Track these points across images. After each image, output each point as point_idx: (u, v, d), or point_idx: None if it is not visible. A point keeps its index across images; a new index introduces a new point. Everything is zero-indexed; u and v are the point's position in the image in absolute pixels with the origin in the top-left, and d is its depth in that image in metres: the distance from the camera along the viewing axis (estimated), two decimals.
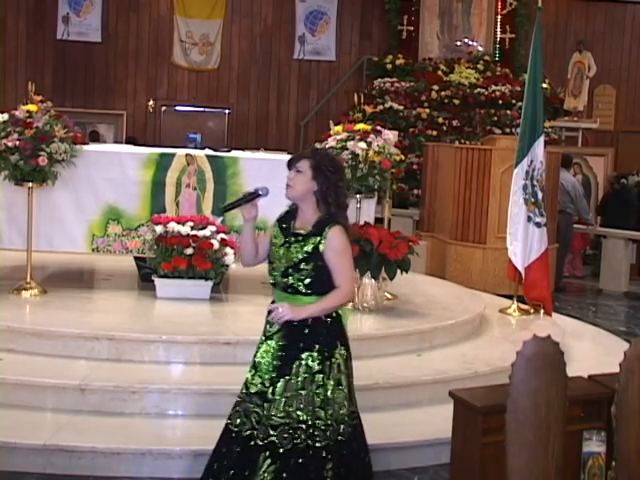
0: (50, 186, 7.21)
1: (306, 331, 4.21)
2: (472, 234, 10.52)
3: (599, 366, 6.11)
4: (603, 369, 5.00)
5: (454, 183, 10.78)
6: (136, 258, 7.79)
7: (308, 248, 4.21)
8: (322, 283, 4.22)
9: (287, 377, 4.16)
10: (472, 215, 10.53)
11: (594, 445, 3.78)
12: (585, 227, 12.79)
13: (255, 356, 4.27)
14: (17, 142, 6.95)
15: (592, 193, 14.30)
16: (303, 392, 4.16)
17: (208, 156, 7.55)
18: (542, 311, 8.39)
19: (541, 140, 8.20)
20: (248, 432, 4.17)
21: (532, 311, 8.39)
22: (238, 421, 4.20)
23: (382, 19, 16.07)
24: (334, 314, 4.30)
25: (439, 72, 15.32)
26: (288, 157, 8.14)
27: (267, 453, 4.13)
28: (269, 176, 7.48)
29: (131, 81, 15.84)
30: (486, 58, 15.66)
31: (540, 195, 8.20)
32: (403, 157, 7.68)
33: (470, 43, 15.86)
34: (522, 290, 8.34)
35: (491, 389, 4.37)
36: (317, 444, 4.17)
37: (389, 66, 15.44)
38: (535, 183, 8.16)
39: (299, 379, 4.16)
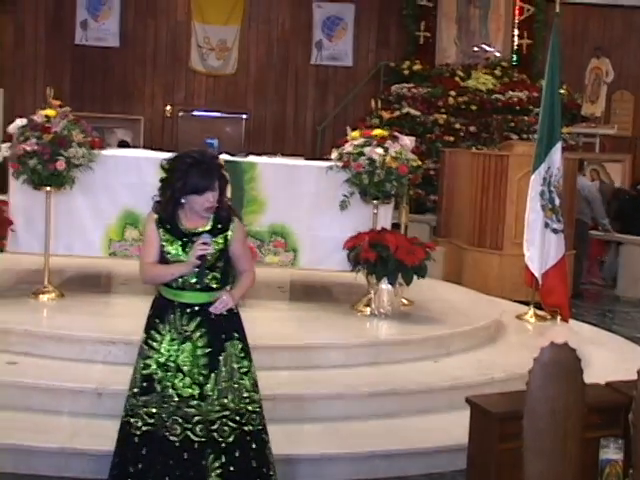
0: (68, 190, 7.25)
1: (224, 323, 4.35)
2: (489, 240, 10.51)
3: (616, 373, 6.05)
4: (620, 376, 4.97)
5: (471, 189, 10.77)
6: None
7: (220, 246, 4.33)
8: (228, 274, 4.43)
9: (217, 371, 4.28)
10: (489, 221, 10.51)
11: (611, 452, 3.77)
12: (602, 233, 12.74)
13: (174, 361, 4.29)
14: (35, 147, 6.99)
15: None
16: (234, 381, 4.30)
17: (225, 161, 7.55)
18: (559, 317, 8.36)
19: (558, 146, 8.19)
20: (190, 436, 4.24)
21: (549, 317, 8.37)
22: (178, 430, 4.25)
23: (399, 25, 16.05)
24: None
25: (456, 78, 15.29)
26: (306, 162, 8.21)
27: (210, 450, 4.24)
28: (286, 181, 7.53)
29: (149, 86, 15.88)
30: (503, 64, 15.63)
31: (557, 201, 8.18)
32: (420, 163, 7.66)
33: (487, 49, 15.83)
34: (539, 296, 8.32)
35: (508, 395, 4.36)
36: (259, 427, 4.37)
37: (406, 72, 15.42)
38: (552, 189, 8.15)
39: (228, 370, 4.29)
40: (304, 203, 7.51)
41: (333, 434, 5.65)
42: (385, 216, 7.59)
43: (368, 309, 7.32)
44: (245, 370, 4.37)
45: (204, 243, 4.24)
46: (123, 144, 14.01)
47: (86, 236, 7.43)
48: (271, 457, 4.47)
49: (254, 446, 4.36)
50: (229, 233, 4.37)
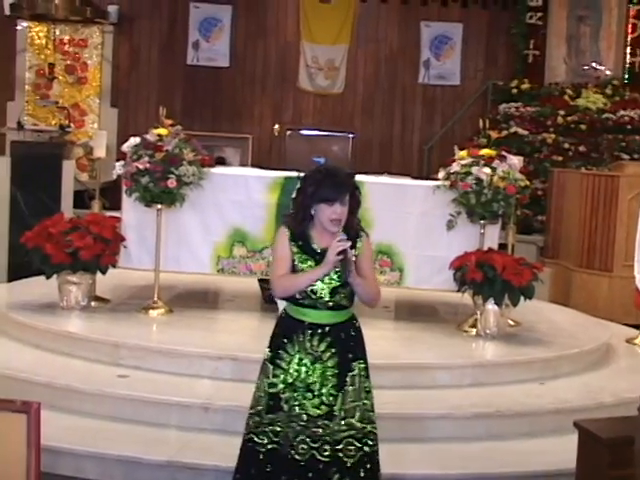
0: (178, 208, 7.38)
1: (351, 342, 4.33)
2: (598, 261, 10.34)
3: None
4: None
5: (580, 210, 10.63)
6: (260, 280, 7.88)
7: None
8: (354, 292, 4.35)
9: (344, 390, 4.25)
10: (598, 242, 10.35)
11: None
12: None
13: (303, 380, 4.27)
14: (148, 165, 7.14)
15: None
16: (359, 401, 4.27)
17: None
18: None
19: None
20: (316, 456, 4.23)
21: None
22: (305, 449, 4.24)
23: (508, 44, 15.91)
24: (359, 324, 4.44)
25: (565, 97, 15.05)
26: (412, 181, 8.19)
27: (335, 469, 4.21)
28: (393, 200, 7.52)
29: (257, 105, 16.07)
30: (614, 82, 15.33)
31: None
32: (528, 183, 7.57)
33: (598, 67, 15.56)
34: None
35: (617, 420, 4.29)
36: (374, 447, 4.32)
37: (514, 91, 15.26)
38: None
39: (355, 389, 4.27)
40: (411, 222, 7.50)
41: (437, 455, 5.61)
42: (492, 236, 7.52)
43: (474, 330, 7.28)
44: (368, 390, 4.35)
45: (340, 240, 4.18)
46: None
47: (195, 253, 7.54)
48: (380, 478, 4.45)
49: (368, 466, 4.33)
50: (357, 249, 4.33)
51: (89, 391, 5.97)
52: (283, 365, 4.31)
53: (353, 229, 4.35)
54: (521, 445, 5.82)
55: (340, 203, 4.25)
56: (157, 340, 6.91)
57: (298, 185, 4.41)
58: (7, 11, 15.00)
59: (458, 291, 7.15)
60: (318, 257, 4.28)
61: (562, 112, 14.71)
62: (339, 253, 4.14)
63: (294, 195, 4.44)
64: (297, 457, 4.23)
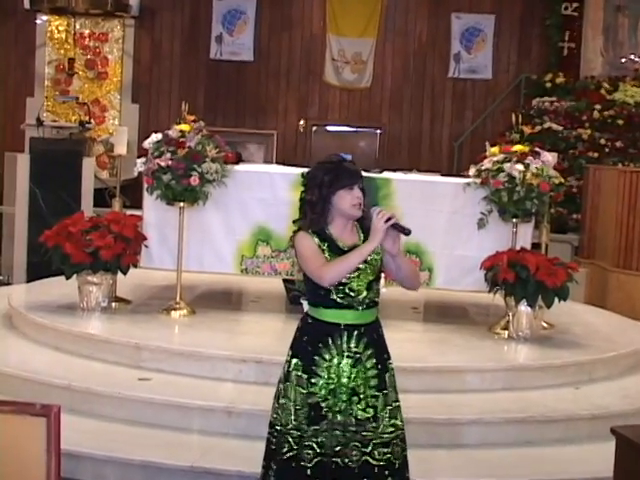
0: (201, 206, 7.28)
1: (381, 342, 4.24)
2: (636, 261, 10.21)
3: None
4: None
5: (617, 207, 10.50)
6: (285, 280, 7.78)
7: (379, 256, 4.17)
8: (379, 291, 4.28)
9: (385, 391, 4.16)
10: (636, 241, 10.22)
11: None
12: None
13: (345, 385, 4.12)
14: (170, 162, 7.06)
15: None
16: (398, 401, 4.21)
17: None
18: None
19: None
20: (369, 461, 4.10)
21: None
22: (356, 455, 4.10)
23: (542, 36, 15.67)
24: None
25: (602, 91, 14.80)
26: (442, 179, 8.08)
27: (387, 472, 4.11)
28: (422, 198, 7.39)
29: (282, 100, 15.93)
30: None
31: None
32: (562, 180, 7.43)
33: (636, 60, 15.31)
34: None
35: None
36: (404, 452, 4.23)
37: (548, 85, 15.04)
38: None
39: (393, 388, 4.20)
40: (440, 221, 7.37)
41: (467, 461, 5.49)
42: (525, 235, 7.38)
43: (506, 332, 7.14)
44: (396, 391, 4.25)
45: (379, 212, 4.04)
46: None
47: (218, 252, 7.46)
48: None
49: (409, 467, 4.25)
50: None
51: (109, 394, 5.89)
52: (320, 372, 4.13)
53: (368, 220, 4.16)
54: (555, 452, 5.68)
55: (359, 186, 4.16)
56: (179, 342, 6.84)
57: (306, 182, 4.24)
58: (27, 5, 14.95)
59: (489, 292, 7.01)
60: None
61: (598, 106, 14.46)
62: (387, 220, 4.01)
63: (304, 194, 4.23)
64: (350, 464, 4.08)
